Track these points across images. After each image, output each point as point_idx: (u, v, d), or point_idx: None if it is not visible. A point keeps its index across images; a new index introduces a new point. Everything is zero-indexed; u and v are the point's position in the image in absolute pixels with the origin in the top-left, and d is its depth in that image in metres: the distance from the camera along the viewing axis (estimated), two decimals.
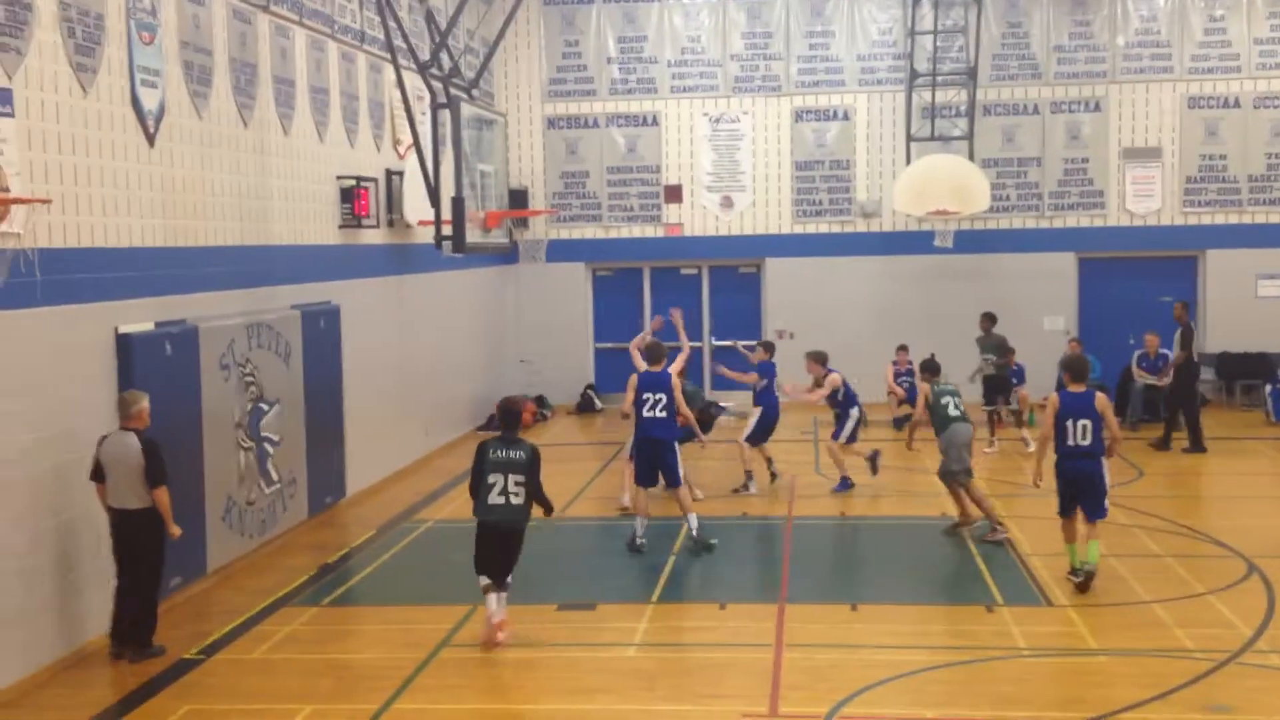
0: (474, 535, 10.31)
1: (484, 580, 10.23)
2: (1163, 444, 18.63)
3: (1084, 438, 11.45)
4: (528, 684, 9.42)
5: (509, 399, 10.79)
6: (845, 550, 13.33)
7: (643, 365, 13.51)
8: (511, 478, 10.08)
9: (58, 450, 9.82)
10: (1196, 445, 18.48)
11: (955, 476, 13.57)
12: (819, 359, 16.14)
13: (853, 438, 16.13)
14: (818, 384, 16.14)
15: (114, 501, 9.87)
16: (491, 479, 10.09)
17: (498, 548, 10.20)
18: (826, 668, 9.58)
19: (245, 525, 12.64)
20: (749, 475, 15.93)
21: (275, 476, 13.32)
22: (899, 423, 20.94)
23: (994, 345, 18.89)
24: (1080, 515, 11.59)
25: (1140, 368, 20.79)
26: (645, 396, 13.17)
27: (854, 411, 16.03)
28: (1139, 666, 9.47)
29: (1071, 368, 11.87)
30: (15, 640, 9.29)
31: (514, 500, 10.10)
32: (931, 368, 14.43)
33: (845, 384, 16.20)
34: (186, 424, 11.40)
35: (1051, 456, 11.74)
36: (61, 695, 9.34)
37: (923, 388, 14.20)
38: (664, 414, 13.18)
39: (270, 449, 13.19)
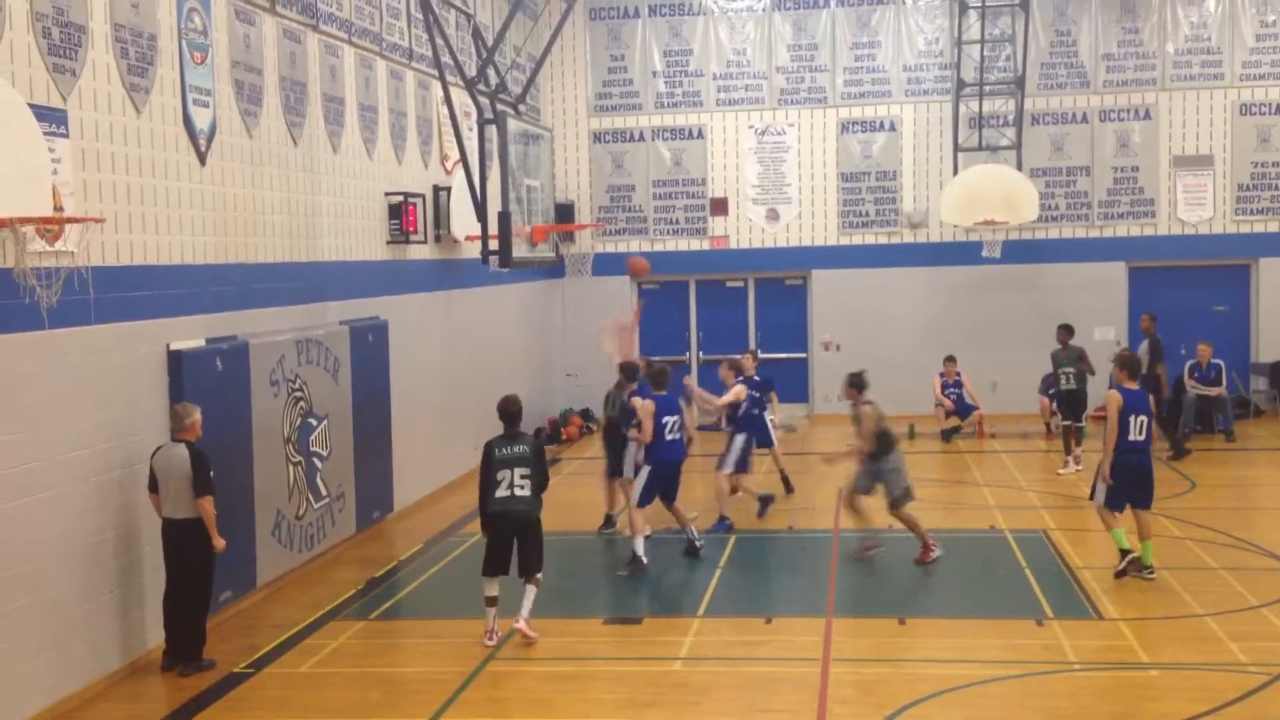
0: (484, 536, 10.76)
1: (488, 587, 10.63)
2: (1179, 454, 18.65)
3: (1141, 433, 12.04)
4: (576, 698, 9.43)
5: (507, 398, 11.07)
6: (892, 563, 13.25)
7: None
8: (517, 471, 10.56)
9: (111, 465, 9.96)
10: (1180, 452, 18.65)
11: (905, 501, 13.15)
12: (734, 366, 15.44)
13: (742, 466, 15.02)
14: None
15: (166, 512, 10.01)
16: (499, 475, 10.58)
17: (510, 540, 10.59)
18: (874, 682, 9.54)
19: (294, 539, 12.75)
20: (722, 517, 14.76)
21: (324, 491, 13.42)
22: (946, 435, 20.87)
23: (1073, 358, 18.02)
24: (1133, 512, 12.08)
25: (1192, 378, 20.56)
26: (664, 420, 13.17)
27: (739, 440, 14.91)
28: (1191, 680, 9.37)
29: (1128, 365, 12.37)
30: (72, 653, 9.41)
31: (519, 492, 10.54)
32: (859, 384, 13.27)
33: (749, 401, 15.33)
34: (237, 439, 11.52)
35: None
36: (114, 709, 9.45)
37: (867, 410, 13.05)
38: (679, 435, 13.44)
39: (319, 464, 13.30)
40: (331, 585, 12.67)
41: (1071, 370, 17.86)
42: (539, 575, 10.67)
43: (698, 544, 13.31)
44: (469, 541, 14.54)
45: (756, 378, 15.94)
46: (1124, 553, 12.07)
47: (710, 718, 9.07)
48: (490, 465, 10.63)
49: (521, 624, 10.50)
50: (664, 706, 9.20)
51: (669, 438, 13.19)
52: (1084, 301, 21.97)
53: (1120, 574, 12.01)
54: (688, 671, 10.00)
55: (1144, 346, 19.09)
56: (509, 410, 10.96)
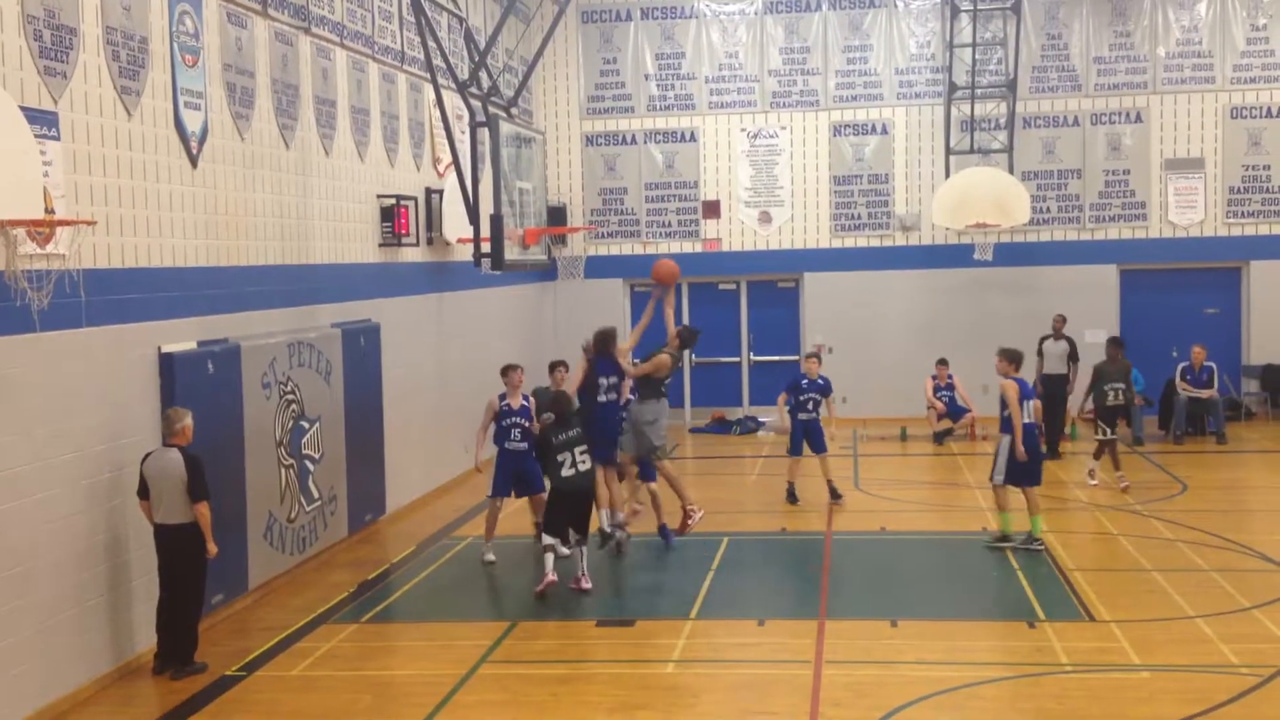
0: (548, 502, 12.41)
1: (549, 540, 12.14)
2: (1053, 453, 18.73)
3: (1031, 416, 13.65)
4: (569, 701, 9.42)
5: (561, 393, 12.73)
6: (885, 565, 13.27)
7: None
8: (576, 451, 12.23)
9: (103, 468, 9.94)
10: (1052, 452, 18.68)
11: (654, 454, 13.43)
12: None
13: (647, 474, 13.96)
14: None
15: (159, 517, 9.98)
16: (561, 457, 12.19)
17: (573, 509, 12.20)
18: (867, 684, 9.54)
19: (286, 542, 12.73)
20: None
21: (316, 493, 13.41)
22: (939, 437, 20.89)
23: (1122, 373, 17.00)
24: (1024, 490, 13.59)
25: (1184, 380, 20.60)
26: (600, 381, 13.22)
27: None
28: (1183, 682, 9.38)
29: (1015, 358, 13.83)
30: (61, 656, 9.39)
31: (582, 468, 12.26)
32: (685, 338, 13.60)
33: (810, 404, 15.65)
34: (228, 442, 11.50)
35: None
36: (104, 712, 9.43)
37: (663, 359, 13.15)
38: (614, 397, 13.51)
39: (311, 466, 13.29)
40: (324, 588, 12.65)
41: (1121, 386, 16.87)
42: (586, 538, 12.34)
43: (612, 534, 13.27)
44: (461, 544, 14.54)
45: (820, 380, 15.90)
46: (1006, 536, 13.49)
47: (702, 719, 9.09)
48: (550, 450, 12.22)
49: (584, 581, 12.14)
50: (657, 709, 9.20)
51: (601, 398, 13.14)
52: (1075, 304, 21.98)
53: (996, 547, 13.37)
54: (680, 674, 10.00)
55: (1063, 346, 19.35)
56: (563, 409, 12.45)
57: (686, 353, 13.65)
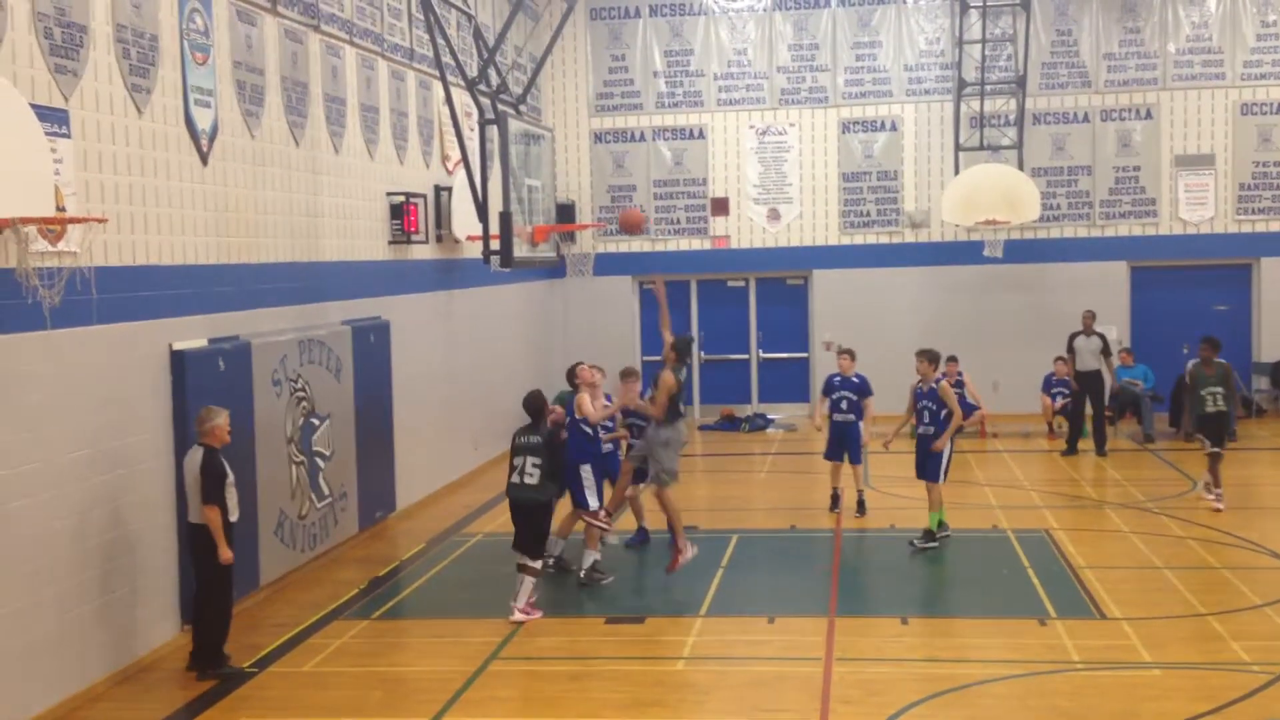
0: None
1: (518, 559, 11.44)
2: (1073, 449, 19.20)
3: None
4: (578, 698, 9.43)
5: (533, 393, 11.96)
6: (895, 563, 13.26)
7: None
8: (529, 459, 11.45)
9: (114, 465, 9.95)
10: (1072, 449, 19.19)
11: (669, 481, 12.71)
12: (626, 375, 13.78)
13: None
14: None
15: (191, 515, 10.01)
16: (515, 461, 11.53)
17: (518, 520, 11.49)
18: (877, 682, 9.54)
19: (297, 539, 12.75)
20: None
21: (326, 491, 13.43)
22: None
23: (1220, 377, 15.31)
24: (928, 485, 13.80)
25: None
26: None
27: (586, 470, 12.67)
28: (1194, 680, 9.37)
29: (935, 359, 13.95)
30: (75, 653, 9.41)
31: (528, 479, 11.43)
32: (681, 350, 12.72)
33: (847, 404, 14.67)
34: (239, 439, 11.47)
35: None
36: (116, 709, 9.45)
37: (668, 380, 12.29)
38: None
39: (321, 463, 13.30)
40: (334, 585, 12.67)
41: (1219, 390, 15.20)
42: (532, 564, 11.33)
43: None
44: (471, 541, 14.55)
45: (855, 379, 14.84)
46: (933, 532, 13.60)
47: (713, 717, 9.09)
48: (511, 451, 11.64)
49: (515, 613, 11.15)
50: (667, 706, 9.21)
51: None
52: (1085, 301, 21.86)
53: (925, 547, 13.47)
54: (690, 671, 10.00)
55: (1095, 342, 19.37)
56: (534, 404, 11.80)
57: (689, 360, 13.00)
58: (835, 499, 15.44)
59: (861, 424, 14.97)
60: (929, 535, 13.64)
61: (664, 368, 12.52)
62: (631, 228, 14.76)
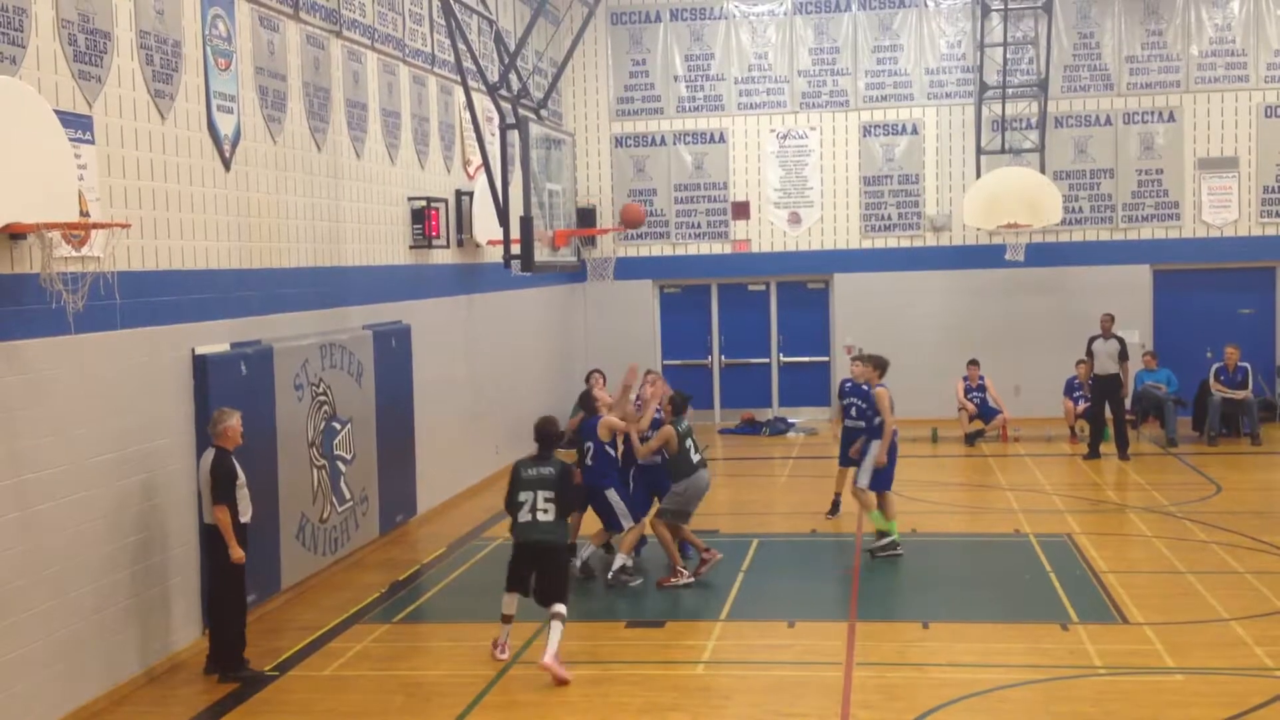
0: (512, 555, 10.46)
1: (506, 604, 10.38)
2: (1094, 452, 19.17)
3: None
4: (598, 702, 9.43)
5: (545, 419, 10.73)
6: (916, 567, 13.22)
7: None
8: (541, 494, 10.20)
9: (136, 469, 10.01)
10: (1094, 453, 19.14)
11: (685, 518, 12.79)
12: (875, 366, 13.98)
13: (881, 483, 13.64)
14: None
15: (205, 516, 10.08)
16: (522, 497, 10.26)
17: (531, 566, 10.24)
18: (898, 686, 9.52)
19: (318, 543, 12.80)
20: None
21: (348, 494, 13.47)
22: (970, 439, 20.81)
23: None
24: (882, 495, 13.64)
25: (1219, 381, 20.45)
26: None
27: (613, 494, 12.73)
28: (1217, 685, 9.32)
29: (881, 365, 13.87)
30: (98, 656, 9.46)
31: (540, 517, 10.19)
32: (678, 404, 12.85)
33: (857, 411, 14.33)
34: (261, 443, 11.56)
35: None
36: (138, 712, 9.49)
37: (667, 431, 12.56)
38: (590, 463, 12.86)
39: (343, 467, 13.35)
40: (355, 588, 12.71)
41: None
42: (561, 608, 10.03)
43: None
44: (492, 545, 14.57)
45: (866, 385, 14.16)
46: (883, 533, 13.42)
47: None
48: (515, 485, 10.34)
49: (549, 660, 9.77)
50: (687, 710, 9.20)
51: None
52: (1108, 304, 21.80)
53: (880, 552, 13.32)
54: (710, 675, 10.00)
55: (1113, 345, 19.26)
56: (545, 432, 10.58)
57: (686, 414, 12.82)
58: (835, 504, 15.36)
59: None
60: (883, 536, 13.52)
61: (665, 422, 12.78)
62: (632, 221, 14.85)
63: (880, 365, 13.89)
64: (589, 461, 12.81)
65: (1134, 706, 9.02)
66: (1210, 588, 11.82)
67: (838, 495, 15.41)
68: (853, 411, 14.62)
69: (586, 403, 13.25)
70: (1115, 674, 9.69)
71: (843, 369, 22.99)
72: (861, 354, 14.93)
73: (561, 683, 9.71)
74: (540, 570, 10.21)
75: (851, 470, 14.39)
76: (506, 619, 10.44)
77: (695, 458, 12.65)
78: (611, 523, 12.80)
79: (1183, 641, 10.31)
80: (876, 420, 13.64)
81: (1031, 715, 8.97)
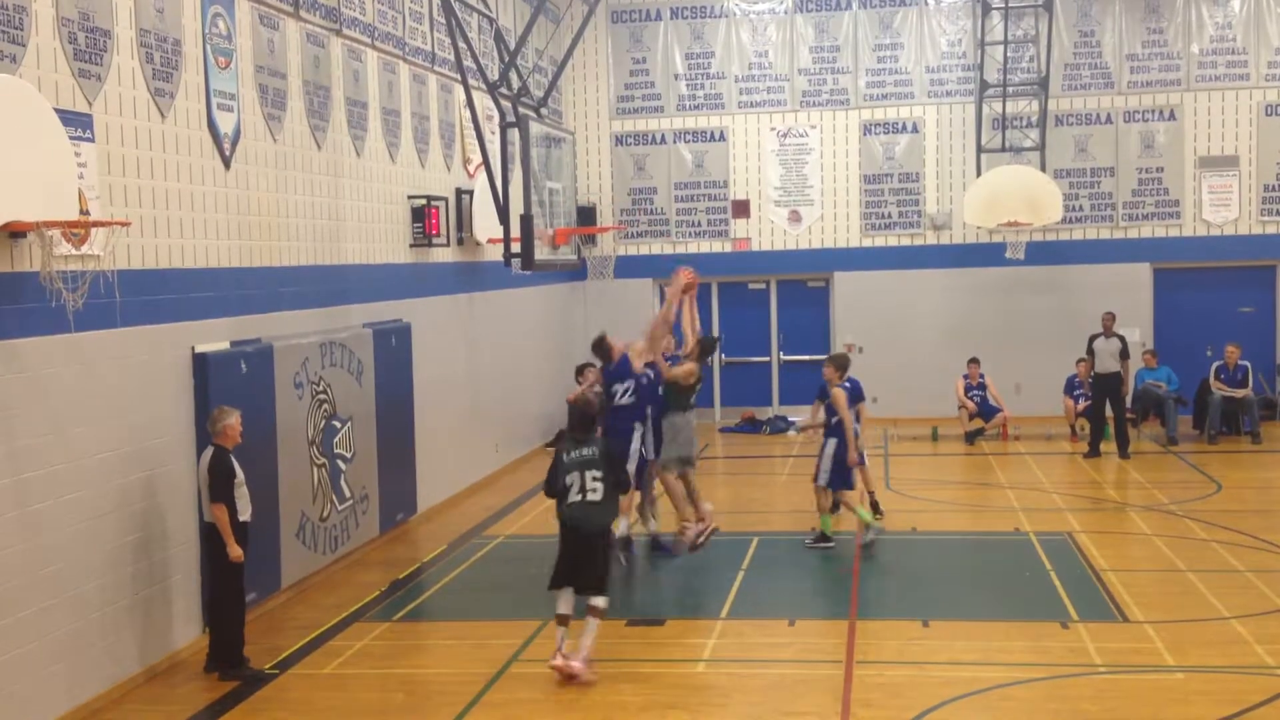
0: (559, 544, 10.09)
1: (561, 602, 9.92)
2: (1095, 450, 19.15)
3: (857, 420, 14.09)
4: (599, 700, 9.43)
5: (582, 400, 10.55)
6: (916, 565, 13.22)
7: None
8: (589, 474, 9.91)
9: (136, 467, 10.01)
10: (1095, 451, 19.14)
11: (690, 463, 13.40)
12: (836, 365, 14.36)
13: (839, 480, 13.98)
14: None
15: (205, 514, 10.08)
16: (569, 479, 9.94)
17: (579, 551, 9.89)
18: (899, 684, 9.52)
19: (318, 541, 12.80)
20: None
21: (348, 493, 13.47)
22: (970, 437, 20.81)
23: None
24: (839, 493, 13.93)
25: (1219, 379, 20.45)
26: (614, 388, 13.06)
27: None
28: (1218, 684, 9.31)
29: (842, 365, 14.15)
30: (97, 654, 9.46)
31: (591, 496, 9.87)
32: (706, 347, 14.01)
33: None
34: (261, 441, 11.56)
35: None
36: (138, 710, 9.49)
37: (692, 366, 13.59)
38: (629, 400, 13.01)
39: (343, 466, 13.35)
40: (355, 587, 12.71)
41: None
42: (601, 604, 9.85)
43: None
44: (492, 543, 14.58)
45: (847, 384, 14.20)
46: (825, 536, 13.75)
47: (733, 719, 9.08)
48: (558, 470, 10.01)
49: (579, 663, 9.59)
50: (687, 708, 9.20)
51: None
52: (1108, 303, 21.77)
53: (817, 548, 13.64)
54: (711, 673, 10.00)
55: (1114, 343, 19.26)
56: (583, 413, 10.34)
57: (710, 360, 13.06)
58: (836, 503, 15.20)
59: (858, 426, 14.55)
60: (824, 537, 13.84)
61: (686, 357, 13.22)
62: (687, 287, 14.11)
63: (842, 365, 14.13)
64: (628, 399, 12.79)
65: (1134, 705, 9.01)
66: (1210, 586, 11.81)
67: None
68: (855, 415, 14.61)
69: (603, 351, 13.19)
70: (1115, 672, 9.68)
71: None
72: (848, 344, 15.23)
73: (570, 679, 9.57)
74: (587, 555, 9.87)
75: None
76: (563, 620, 9.91)
77: (690, 400, 13.10)
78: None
79: (1183, 639, 10.30)
80: (834, 420, 13.82)
81: (1031, 713, 8.97)
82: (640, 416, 12.91)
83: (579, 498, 9.89)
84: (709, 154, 23.56)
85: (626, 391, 12.88)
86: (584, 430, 10.24)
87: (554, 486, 10.06)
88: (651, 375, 13.14)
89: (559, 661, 9.68)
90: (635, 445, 12.80)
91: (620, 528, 12.82)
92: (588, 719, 9.12)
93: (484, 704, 9.39)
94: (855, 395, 14.33)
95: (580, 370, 14.67)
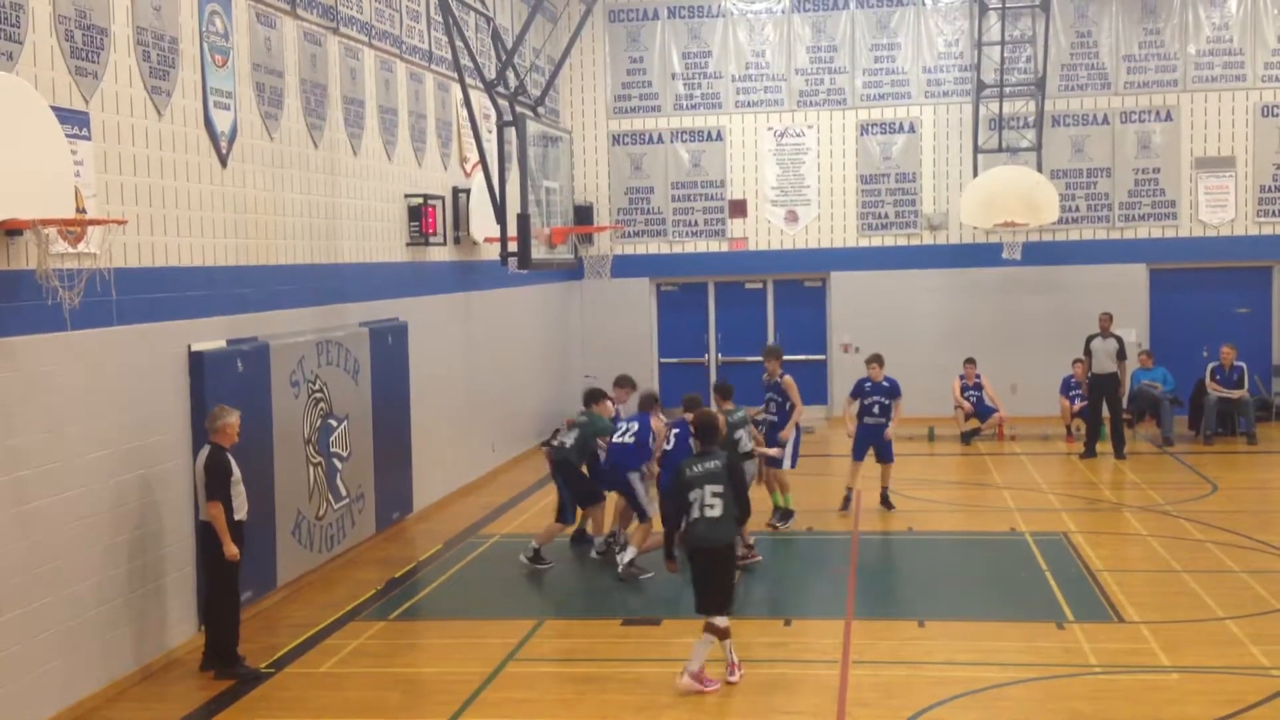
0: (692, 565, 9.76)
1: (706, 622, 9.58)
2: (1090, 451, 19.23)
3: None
4: (594, 700, 9.43)
5: (705, 412, 10.35)
6: (912, 565, 13.23)
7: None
8: (708, 489, 9.55)
9: (133, 466, 10.00)
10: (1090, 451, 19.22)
11: None
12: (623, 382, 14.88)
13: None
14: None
15: (202, 514, 10.07)
16: (691, 496, 9.56)
17: (698, 570, 9.61)
18: (895, 684, 9.52)
19: (314, 540, 12.79)
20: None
21: (344, 491, 13.46)
22: (966, 437, 20.82)
23: None
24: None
25: (1214, 380, 20.47)
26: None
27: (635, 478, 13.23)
28: (1213, 684, 9.32)
29: (775, 356, 14.97)
30: (92, 653, 9.45)
31: (709, 513, 9.53)
32: (724, 392, 13.81)
33: (878, 409, 15.34)
34: (257, 440, 11.55)
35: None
36: (134, 708, 9.49)
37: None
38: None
39: (339, 464, 13.34)
40: (351, 586, 12.70)
41: None
42: (720, 623, 9.53)
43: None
44: (488, 542, 14.58)
45: (885, 382, 15.25)
46: (788, 511, 14.58)
47: (729, 719, 9.07)
48: (681, 488, 9.61)
49: (687, 680, 9.40)
50: (683, 708, 9.20)
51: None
52: (1104, 303, 21.78)
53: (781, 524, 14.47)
54: (707, 673, 9.97)
55: (1111, 344, 19.24)
56: (708, 424, 10.01)
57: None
58: (848, 499, 15.49)
59: (890, 424, 15.26)
60: (785, 515, 14.70)
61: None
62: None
63: (777, 355, 15.17)
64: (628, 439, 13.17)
65: (1129, 705, 9.02)
66: (1206, 586, 11.83)
67: (850, 489, 15.58)
68: (875, 409, 15.24)
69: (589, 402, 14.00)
70: (1111, 672, 9.70)
71: (840, 367, 23.12)
72: (874, 354, 15.90)
73: (699, 691, 9.35)
74: (705, 575, 9.57)
75: (861, 464, 15.51)
76: (724, 634, 9.63)
77: (745, 447, 13.16)
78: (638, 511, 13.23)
79: (1178, 640, 10.32)
80: (788, 405, 14.55)
81: (1027, 713, 8.98)
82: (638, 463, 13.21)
83: (697, 514, 9.56)
84: (706, 153, 23.56)
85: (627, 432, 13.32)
86: (708, 441, 9.93)
87: (677, 505, 9.70)
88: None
89: (737, 677, 9.58)
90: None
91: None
92: (582, 718, 9.12)
93: (480, 702, 9.39)
94: (893, 392, 15.32)
95: (620, 384, 14.87)
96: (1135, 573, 12.50)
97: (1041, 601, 11.63)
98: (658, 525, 12.24)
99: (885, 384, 15.31)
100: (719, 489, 9.54)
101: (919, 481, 17.07)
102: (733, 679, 9.57)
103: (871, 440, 15.34)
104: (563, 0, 21.51)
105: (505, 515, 16.04)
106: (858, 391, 15.46)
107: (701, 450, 9.93)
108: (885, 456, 15.42)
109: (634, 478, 13.14)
